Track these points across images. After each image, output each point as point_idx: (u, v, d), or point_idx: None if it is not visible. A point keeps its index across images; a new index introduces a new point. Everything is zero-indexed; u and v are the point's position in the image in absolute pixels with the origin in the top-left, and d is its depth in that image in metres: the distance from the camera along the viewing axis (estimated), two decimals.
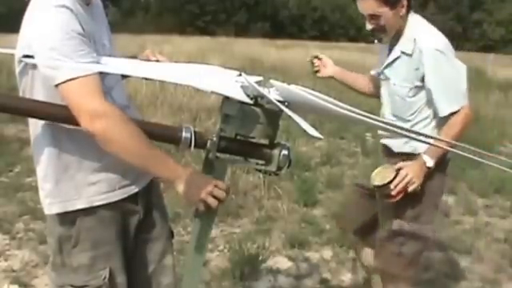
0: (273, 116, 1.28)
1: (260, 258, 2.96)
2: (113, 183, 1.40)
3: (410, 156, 1.96)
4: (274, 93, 1.24)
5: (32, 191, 3.79)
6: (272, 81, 1.26)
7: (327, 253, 3.27)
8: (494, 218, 4.06)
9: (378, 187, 1.94)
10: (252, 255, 2.93)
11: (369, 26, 1.90)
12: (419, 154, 1.92)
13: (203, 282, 2.68)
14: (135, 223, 1.48)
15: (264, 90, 1.21)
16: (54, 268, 1.44)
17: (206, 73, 1.42)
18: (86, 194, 1.37)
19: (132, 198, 1.45)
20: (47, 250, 3.02)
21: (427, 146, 1.88)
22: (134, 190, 1.45)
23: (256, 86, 1.19)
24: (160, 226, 1.59)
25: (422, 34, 1.90)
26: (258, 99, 1.25)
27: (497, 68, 14.39)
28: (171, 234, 1.65)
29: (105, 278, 1.40)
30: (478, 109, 8.37)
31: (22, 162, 4.50)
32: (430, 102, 1.94)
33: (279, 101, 1.19)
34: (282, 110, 1.26)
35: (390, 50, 2.00)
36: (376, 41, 2.13)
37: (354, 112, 1.06)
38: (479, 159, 1.14)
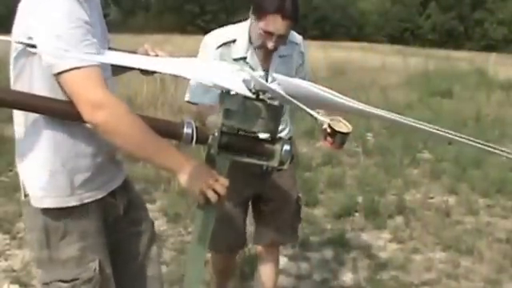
0: (274, 111, 1.27)
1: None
2: (97, 181, 1.41)
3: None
4: (276, 87, 1.23)
5: None
6: (274, 74, 1.25)
7: (328, 253, 3.26)
8: (495, 217, 4.04)
9: (344, 134, 1.94)
10: (252, 255, 2.92)
11: (271, 44, 1.85)
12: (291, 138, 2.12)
13: (204, 282, 2.67)
14: (114, 218, 1.49)
15: (267, 84, 1.20)
16: (41, 264, 1.41)
17: (207, 67, 1.41)
18: (77, 192, 1.37)
19: (111, 194, 1.47)
20: None
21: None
22: (113, 186, 1.47)
23: (259, 79, 1.18)
24: (144, 219, 1.61)
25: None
26: (259, 93, 1.24)
27: (498, 67, 14.34)
28: (152, 225, 1.65)
29: (95, 269, 1.39)
30: (479, 108, 8.37)
31: None
32: None
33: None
34: (283, 105, 1.25)
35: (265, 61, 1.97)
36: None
37: (357, 104, 1.05)
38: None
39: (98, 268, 1.40)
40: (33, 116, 1.33)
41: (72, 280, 1.38)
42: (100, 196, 1.42)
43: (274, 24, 1.79)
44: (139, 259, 1.58)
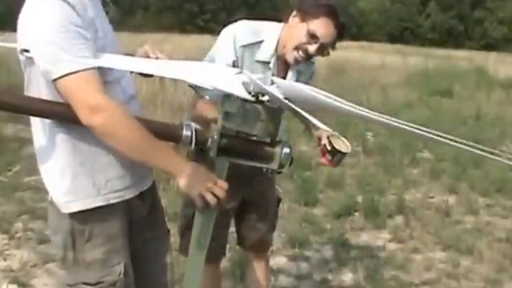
0: (274, 113, 1.26)
1: None
2: (125, 180, 1.39)
3: None
4: (275, 90, 1.22)
5: (31, 191, 3.76)
6: (274, 78, 1.24)
7: (328, 252, 3.26)
8: (495, 217, 4.04)
9: (343, 153, 1.90)
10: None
11: (313, 52, 1.79)
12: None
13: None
14: (137, 220, 1.48)
15: (266, 87, 1.19)
16: (65, 266, 1.40)
17: (207, 70, 1.40)
18: (102, 192, 1.35)
19: (139, 195, 1.45)
20: (46, 249, 3.02)
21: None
22: (143, 187, 1.45)
23: (259, 82, 1.18)
24: (162, 224, 1.60)
25: None
26: (259, 96, 1.23)
27: (499, 67, 14.36)
28: (168, 232, 1.65)
29: (120, 273, 1.38)
30: (479, 107, 8.37)
31: (21, 162, 4.48)
32: None
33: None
34: (282, 108, 1.24)
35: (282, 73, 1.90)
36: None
37: (356, 109, 1.05)
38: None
39: (123, 271, 1.38)
40: (48, 122, 1.32)
41: (96, 283, 1.37)
42: (128, 196, 1.40)
43: (326, 28, 1.74)
44: (154, 264, 1.56)
